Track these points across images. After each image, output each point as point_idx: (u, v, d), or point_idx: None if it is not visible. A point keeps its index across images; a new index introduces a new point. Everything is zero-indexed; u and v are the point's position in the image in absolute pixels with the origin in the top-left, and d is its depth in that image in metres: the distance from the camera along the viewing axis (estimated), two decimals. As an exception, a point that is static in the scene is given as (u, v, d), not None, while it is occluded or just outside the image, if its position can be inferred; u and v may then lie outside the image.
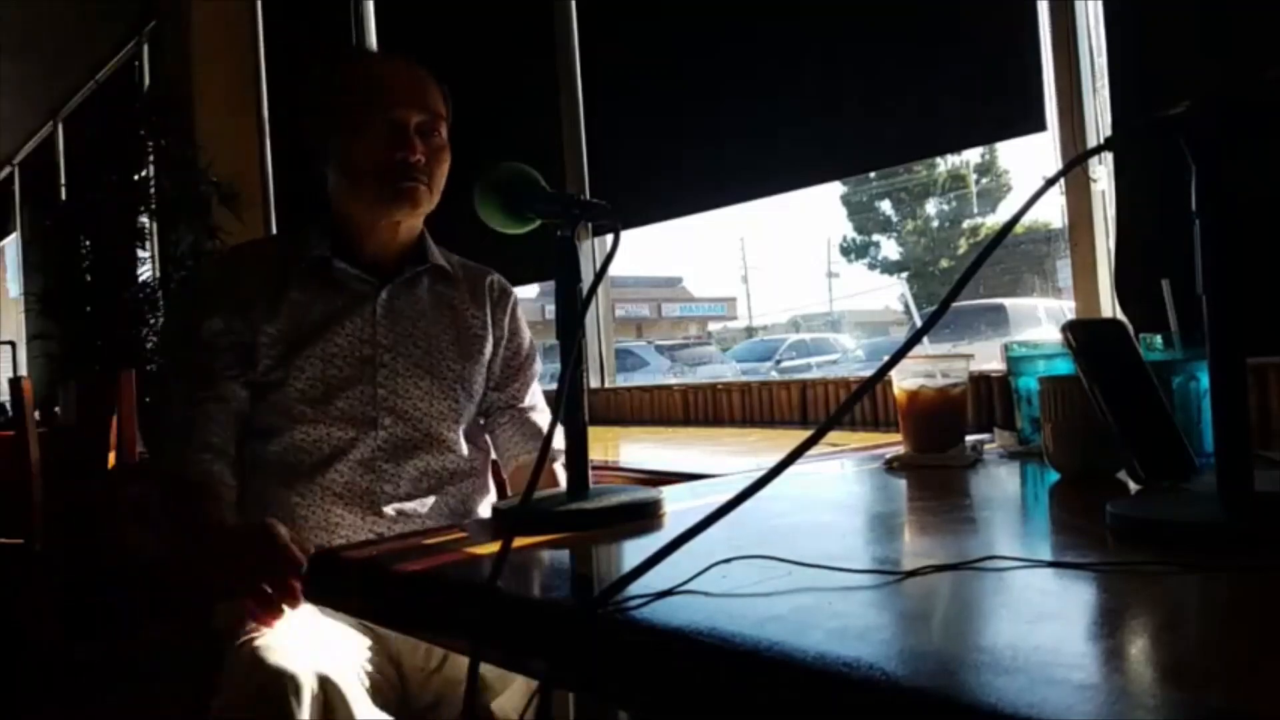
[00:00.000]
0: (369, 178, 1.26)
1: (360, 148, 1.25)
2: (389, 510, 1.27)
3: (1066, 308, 1.92)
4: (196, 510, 1.19)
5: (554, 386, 1.09)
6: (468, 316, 1.38)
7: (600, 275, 0.90)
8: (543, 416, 1.42)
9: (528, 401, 1.43)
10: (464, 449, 1.35)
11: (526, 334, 1.46)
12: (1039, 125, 1.74)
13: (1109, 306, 1.65)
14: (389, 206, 1.27)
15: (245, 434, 1.27)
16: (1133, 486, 0.92)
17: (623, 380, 2.88)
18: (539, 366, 1.48)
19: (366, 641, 1.15)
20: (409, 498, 1.29)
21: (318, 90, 1.32)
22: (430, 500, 1.30)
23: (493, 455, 1.44)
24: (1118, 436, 0.88)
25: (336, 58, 1.38)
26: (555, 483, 1.28)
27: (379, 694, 1.10)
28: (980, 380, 1.75)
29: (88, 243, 4.44)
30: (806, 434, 0.62)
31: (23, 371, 6.63)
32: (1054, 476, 1.02)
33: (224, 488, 1.22)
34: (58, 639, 2.57)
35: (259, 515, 1.17)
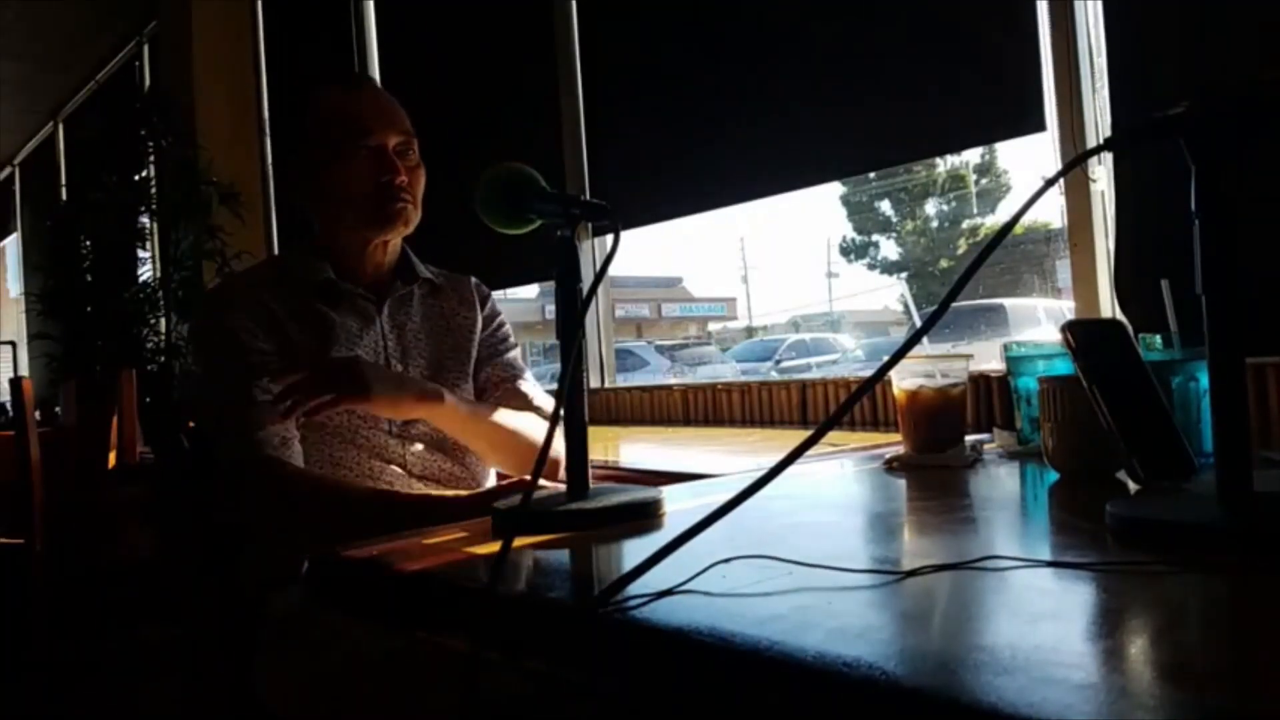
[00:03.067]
0: (359, 204, 1.34)
1: (347, 176, 1.32)
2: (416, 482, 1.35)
3: (1066, 308, 1.92)
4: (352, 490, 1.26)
5: (554, 386, 1.09)
6: (459, 318, 1.48)
7: (600, 275, 0.90)
8: (528, 385, 1.50)
9: (518, 374, 1.51)
10: None
11: (506, 321, 1.56)
12: (1039, 125, 1.74)
13: (1108, 306, 1.65)
14: (382, 228, 1.35)
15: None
16: (1132, 486, 0.92)
17: (623, 380, 2.88)
18: (516, 344, 1.57)
19: None
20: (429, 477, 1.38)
21: (297, 133, 1.40)
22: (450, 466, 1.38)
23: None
24: (1117, 436, 0.88)
25: (305, 98, 1.45)
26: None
27: None
28: (980, 380, 1.75)
29: (88, 243, 4.44)
30: (806, 434, 0.62)
31: (23, 371, 6.63)
32: (1053, 476, 1.02)
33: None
34: (57, 639, 2.57)
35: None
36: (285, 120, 1.45)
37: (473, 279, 1.55)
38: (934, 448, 1.14)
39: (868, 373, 0.88)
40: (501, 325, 1.53)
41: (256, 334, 1.31)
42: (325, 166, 1.33)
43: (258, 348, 1.30)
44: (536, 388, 1.51)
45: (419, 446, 1.36)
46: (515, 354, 1.53)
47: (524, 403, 1.47)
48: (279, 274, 1.41)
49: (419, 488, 1.35)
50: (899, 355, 0.66)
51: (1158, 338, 1.09)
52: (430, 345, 1.43)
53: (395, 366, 1.38)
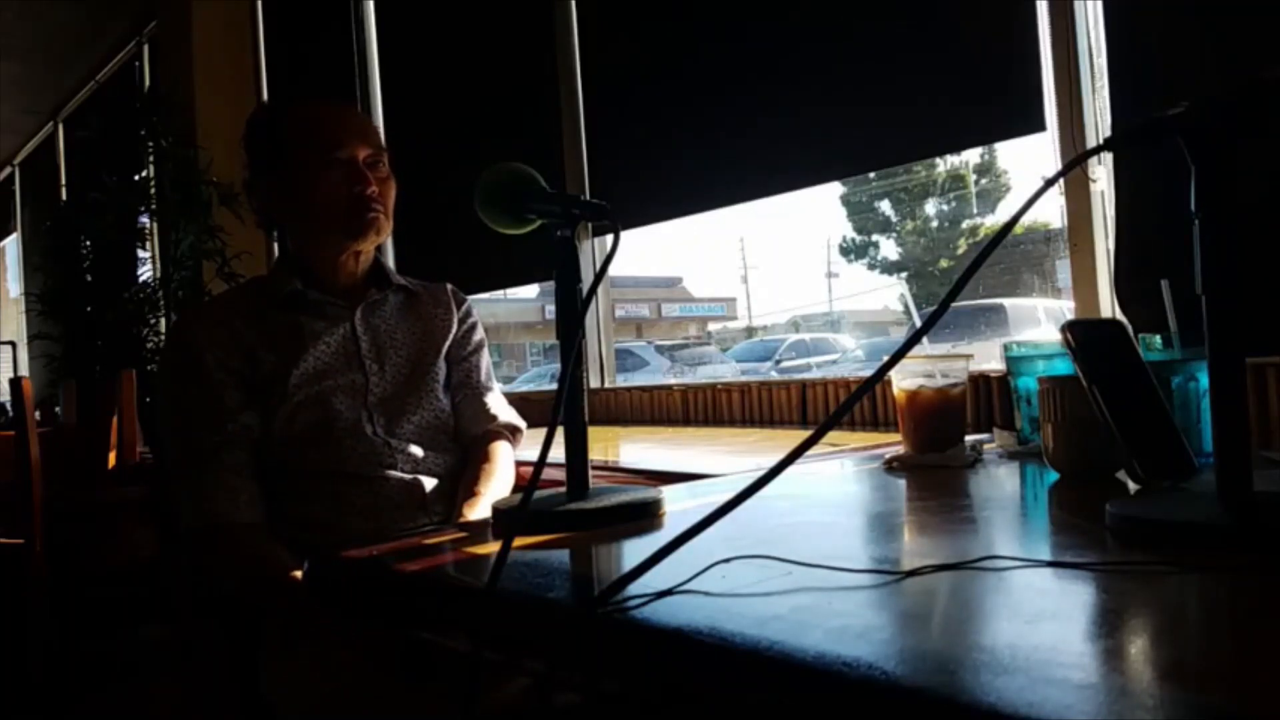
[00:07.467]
0: (331, 215, 1.36)
1: (318, 189, 1.34)
2: (394, 480, 1.34)
3: (1066, 308, 1.92)
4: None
5: (554, 386, 1.09)
6: (435, 318, 1.50)
7: (600, 275, 0.90)
8: (495, 400, 1.51)
9: (482, 382, 1.52)
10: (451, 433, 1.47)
11: (480, 327, 1.57)
12: (1038, 125, 1.74)
13: (1108, 307, 1.65)
14: (354, 238, 1.38)
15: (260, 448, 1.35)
16: (1132, 486, 0.92)
17: (623, 380, 2.88)
18: (488, 357, 1.58)
19: None
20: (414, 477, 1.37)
21: (264, 149, 1.40)
22: (431, 481, 1.37)
23: None
24: (1117, 436, 0.88)
25: (269, 114, 1.46)
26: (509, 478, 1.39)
27: None
28: (980, 380, 1.75)
29: (88, 243, 4.43)
30: (806, 434, 0.62)
31: (23, 371, 6.63)
32: (1053, 476, 1.02)
33: (261, 519, 1.30)
34: (57, 638, 2.57)
35: (287, 508, 1.31)
36: (255, 136, 1.43)
37: (449, 285, 1.56)
38: (934, 448, 1.14)
39: (868, 373, 0.88)
40: (473, 329, 1.54)
41: (225, 364, 1.32)
42: (298, 179, 1.35)
43: (223, 380, 1.31)
44: (500, 401, 1.51)
45: (409, 446, 1.37)
46: (483, 361, 1.53)
47: (480, 410, 1.48)
48: (252, 295, 1.43)
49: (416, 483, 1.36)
50: (899, 355, 0.66)
51: (1158, 338, 1.09)
52: (408, 344, 1.44)
53: (370, 366, 1.39)
